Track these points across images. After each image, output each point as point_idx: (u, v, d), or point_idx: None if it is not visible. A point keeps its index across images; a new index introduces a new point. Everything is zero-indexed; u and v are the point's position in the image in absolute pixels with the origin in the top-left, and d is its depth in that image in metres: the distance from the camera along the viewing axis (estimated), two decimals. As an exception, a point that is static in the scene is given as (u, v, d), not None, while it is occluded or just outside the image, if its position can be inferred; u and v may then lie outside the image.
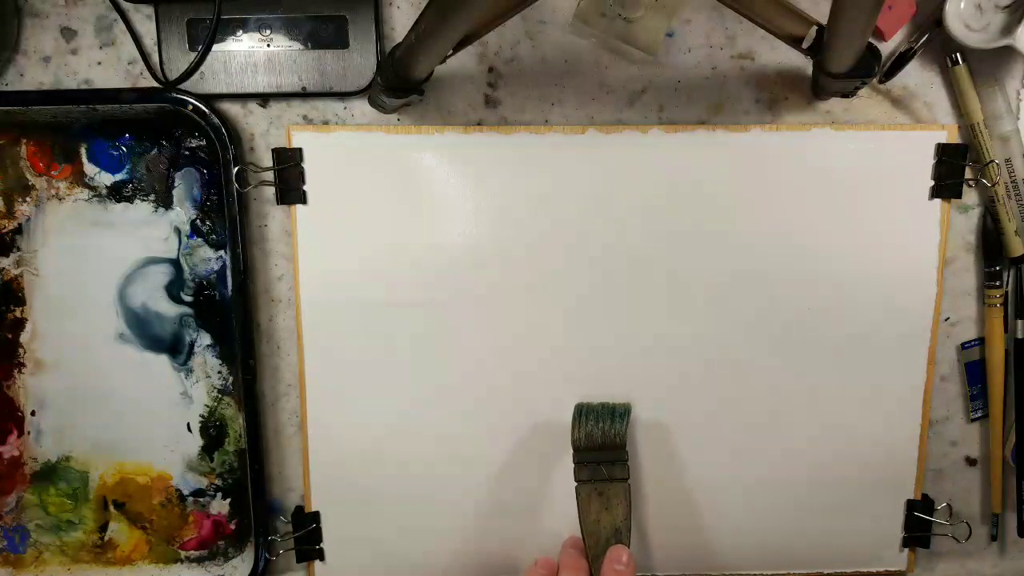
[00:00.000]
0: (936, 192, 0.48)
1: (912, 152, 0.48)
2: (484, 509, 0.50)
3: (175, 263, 0.50)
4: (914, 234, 0.48)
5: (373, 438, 0.50)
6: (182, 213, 0.50)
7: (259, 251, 0.49)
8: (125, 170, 0.50)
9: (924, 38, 0.46)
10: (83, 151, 0.49)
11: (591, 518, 0.46)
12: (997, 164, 0.47)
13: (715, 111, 0.48)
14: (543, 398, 0.49)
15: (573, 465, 0.46)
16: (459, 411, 0.49)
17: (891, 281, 0.49)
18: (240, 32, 0.46)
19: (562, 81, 0.48)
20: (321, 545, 0.51)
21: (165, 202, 0.50)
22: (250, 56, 0.47)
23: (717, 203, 0.48)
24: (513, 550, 0.51)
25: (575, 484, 0.46)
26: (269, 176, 0.48)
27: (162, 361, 0.51)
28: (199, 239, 0.50)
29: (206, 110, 0.46)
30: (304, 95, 0.47)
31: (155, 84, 0.46)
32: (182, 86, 0.44)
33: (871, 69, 0.41)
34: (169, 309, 0.51)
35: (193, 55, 0.43)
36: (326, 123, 0.48)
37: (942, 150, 0.47)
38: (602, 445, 0.46)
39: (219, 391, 0.51)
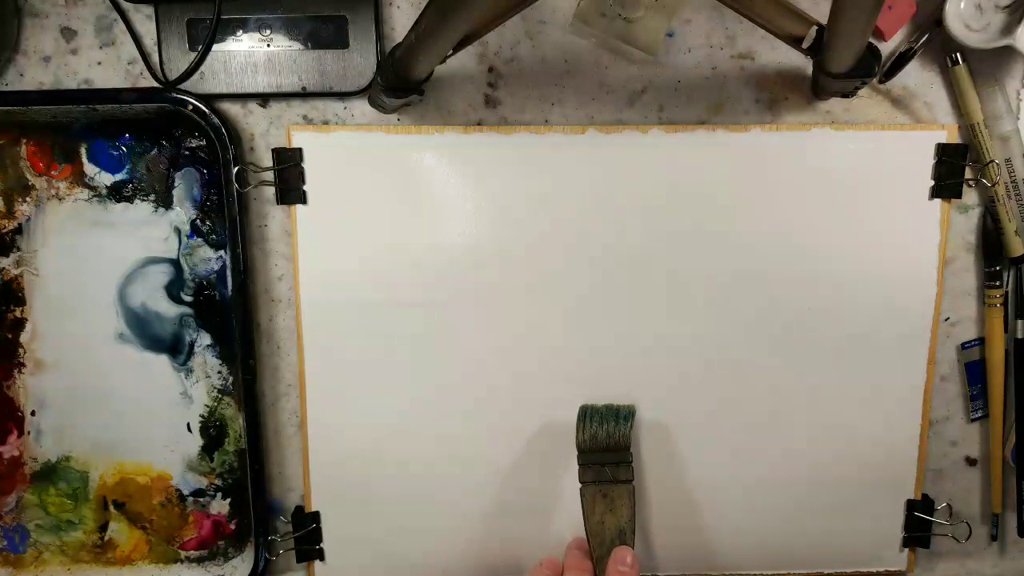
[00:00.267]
0: (936, 192, 0.48)
1: (912, 152, 0.48)
2: (484, 509, 0.50)
3: (175, 263, 0.50)
4: (914, 234, 0.48)
5: (373, 438, 0.50)
6: (182, 213, 0.50)
7: (259, 251, 0.49)
8: (125, 170, 0.50)
9: (924, 38, 0.46)
10: (83, 151, 0.49)
11: (595, 519, 0.46)
12: (997, 164, 0.47)
13: (715, 111, 0.48)
14: (543, 398, 0.49)
15: (578, 467, 0.47)
16: (459, 411, 0.49)
17: (891, 281, 0.49)
18: (240, 32, 0.46)
19: (562, 81, 0.48)
20: (321, 545, 0.51)
21: (165, 202, 0.50)
22: (250, 56, 0.47)
23: (717, 203, 0.48)
24: (515, 551, 0.51)
25: (579, 485, 0.46)
26: (269, 176, 0.48)
27: (162, 361, 0.51)
28: (199, 239, 0.50)
29: (206, 110, 0.46)
30: (304, 95, 0.47)
31: (155, 84, 0.46)
32: (182, 86, 0.44)
33: (871, 69, 0.41)
34: (169, 309, 0.51)
35: (193, 55, 0.43)
36: (326, 123, 0.48)
37: (942, 150, 0.47)
38: (606, 447, 0.46)
39: (219, 391, 0.51)
